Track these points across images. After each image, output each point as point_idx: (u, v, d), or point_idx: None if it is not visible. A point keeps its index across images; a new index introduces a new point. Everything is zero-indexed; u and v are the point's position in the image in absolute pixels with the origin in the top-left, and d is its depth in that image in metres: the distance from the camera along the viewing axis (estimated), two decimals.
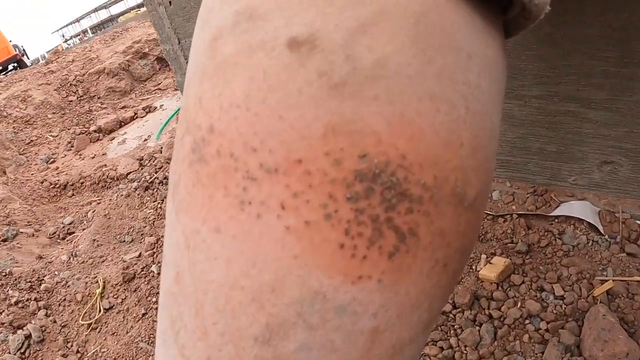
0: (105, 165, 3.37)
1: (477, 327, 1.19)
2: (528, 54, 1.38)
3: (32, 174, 3.80)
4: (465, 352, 1.17)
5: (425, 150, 0.21)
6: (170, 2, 2.11)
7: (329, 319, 0.21)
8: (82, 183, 3.22)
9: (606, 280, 1.19)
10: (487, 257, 1.36)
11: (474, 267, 1.37)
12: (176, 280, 0.24)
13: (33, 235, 2.58)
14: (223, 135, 0.22)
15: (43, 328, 1.82)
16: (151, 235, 2.20)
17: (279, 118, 0.20)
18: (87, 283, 1.97)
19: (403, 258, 0.21)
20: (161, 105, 4.51)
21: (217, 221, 0.22)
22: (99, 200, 2.82)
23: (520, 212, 1.48)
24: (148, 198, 2.49)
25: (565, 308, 1.17)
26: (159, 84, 5.41)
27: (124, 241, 2.27)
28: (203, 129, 0.23)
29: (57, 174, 3.61)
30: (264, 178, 0.21)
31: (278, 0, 0.21)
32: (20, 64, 14.03)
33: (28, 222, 2.75)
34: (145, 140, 3.73)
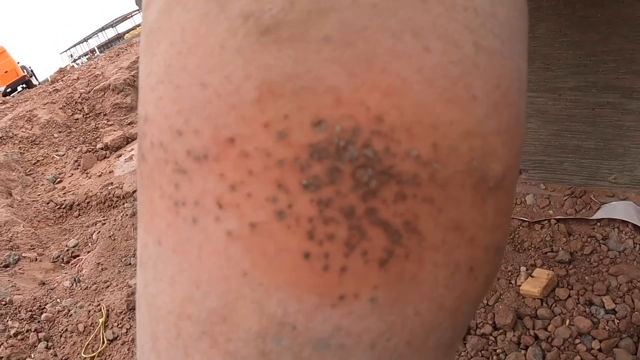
0: (112, 183, 3.31)
1: (523, 351, 1.12)
2: (562, 41, 1.29)
3: (39, 195, 3.76)
4: None
5: (414, 107, 0.15)
6: None
7: (307, 358, 0.16)
8: (88, 203, 3.16)
9: None
10: (526, 270, 1.26)
11: (513, 282, 1.29)
12: (138, 305, 0.20)
13: (36, 260, 2.50)
14: (153, 122, 0.18)
15: None
16: None
17: (201, 86, 0.16)
18: (90, 311, 1.89)
19: (403, 265, 0.16)
20: None
21: (158, 231, 0.18)
22: (104, 220, 2.74)
23: (559, 217, 1.40)
24: None
25: (618, 323, 1.10)
26: None
27: (130, 264, 2.18)
28: (142, 120, 0.19)
29: (64, 194, 3.56)
30: (194, 169, 0.16)
31: None
32: (29, 85, 14.37)
33: (31, 245, 2.67)
34: None
